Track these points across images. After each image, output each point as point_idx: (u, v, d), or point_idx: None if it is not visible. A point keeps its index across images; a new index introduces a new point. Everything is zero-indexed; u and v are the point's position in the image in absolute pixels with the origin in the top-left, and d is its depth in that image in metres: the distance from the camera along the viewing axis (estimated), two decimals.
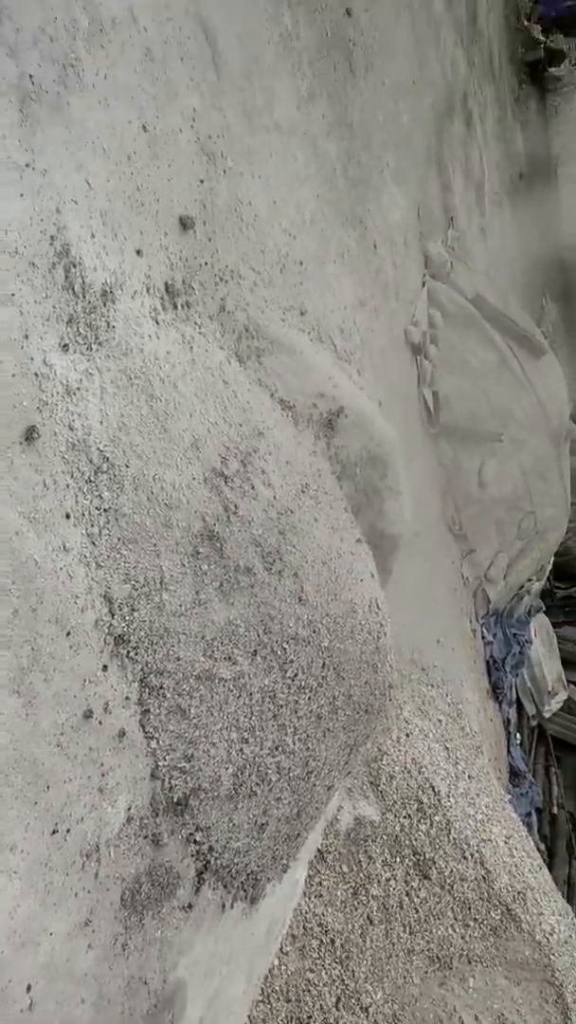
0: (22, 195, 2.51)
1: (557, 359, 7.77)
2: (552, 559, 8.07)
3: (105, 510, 2.64)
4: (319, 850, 4.44)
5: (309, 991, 4.02)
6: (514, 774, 7.43)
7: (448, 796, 4.82)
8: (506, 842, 4.77)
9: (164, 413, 2.83)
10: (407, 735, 4.78)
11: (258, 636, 3.00)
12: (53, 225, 2.62)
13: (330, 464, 3.64)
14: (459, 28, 7.46)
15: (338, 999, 4.05)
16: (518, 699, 7.73)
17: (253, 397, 3.25)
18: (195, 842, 2.98)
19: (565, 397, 7.43)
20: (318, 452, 3.58)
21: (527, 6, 9.78)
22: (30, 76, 2.57)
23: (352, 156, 4.90)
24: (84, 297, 2.71)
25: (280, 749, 3.12)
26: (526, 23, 9.55)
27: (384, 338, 4.97)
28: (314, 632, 3.17)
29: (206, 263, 3.40)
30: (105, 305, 2.78)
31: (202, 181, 3.45)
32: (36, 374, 2.49)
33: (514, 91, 9.63)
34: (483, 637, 6.69)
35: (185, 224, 3.28)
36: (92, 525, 2.60)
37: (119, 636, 2.67)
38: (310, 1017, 3.96)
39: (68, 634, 2.48)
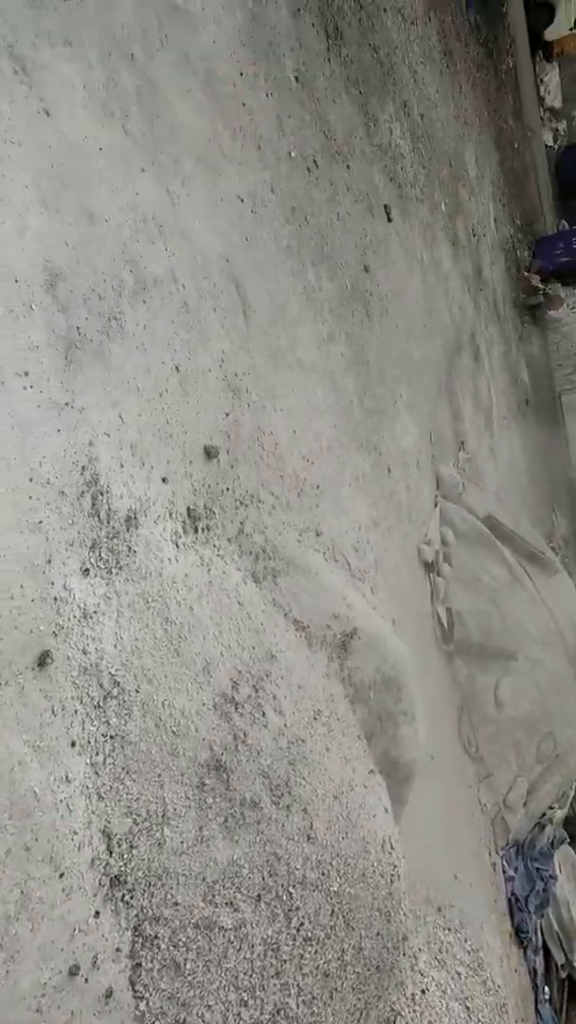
0: (59, 430, 2.69)
1: (570, 577, 7.87)
2: (575, 786, 7.68)
3: (111, 737, 2.59)
4: None
5: None
6: None
7: None
8: None
9: (178, 636, 2.84)
10: (423, 991, 4.32)
11: (263, 879, 2.81)
12: (85, 456, 2.79)
13: (343, 687, 3.59)
14: (466, 279, 8.27)
15: None
16: (545, 945, 7.04)
17: (267, 618, 3.27)
18: None
19: None
20: (331, 674, 3.55)
21: (526, 260, 10.90)
22: (77, 328, 2.85)
23: (368, 389, 5.26)
24: (108, 523, 2.82)
25: (282, 1014, 2.82)
26: (526, 274, 10.59)
27: (398, 557, 5.07)
28: (323, 875, 2.97)
29: (228, 488, 3.57)
30: (128, 530, 2.89)
31: (227, 414, 3.70)
32: (55, 599, 2.55)
33: (518, 330, 10.48)
34: (503, 871, 6.23)
35: (210, 453, 3.47)
36: (97, 753, 2.54)
37: (115, 876, 2.52)
38: None
39: (61, 875, 2.35)
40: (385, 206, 6.03)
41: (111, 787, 2.54)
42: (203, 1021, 2.59)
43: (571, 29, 12.89)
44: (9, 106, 2.70)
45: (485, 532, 6.10)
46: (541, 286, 10.53)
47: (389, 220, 6.05)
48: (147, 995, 2.47)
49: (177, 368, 3.39)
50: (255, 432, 3.90)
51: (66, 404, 2.72)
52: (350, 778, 3.22)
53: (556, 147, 14.04)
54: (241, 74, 4.33)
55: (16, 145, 2.68)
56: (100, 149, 3.10)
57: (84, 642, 2.60)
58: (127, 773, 2.56)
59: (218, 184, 3.92)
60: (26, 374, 2.56)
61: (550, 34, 12.92)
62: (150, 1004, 2.48)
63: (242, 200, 4.13)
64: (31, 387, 2.57)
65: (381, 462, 5.24)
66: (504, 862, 6.31)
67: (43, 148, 2.80)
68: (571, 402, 11.42)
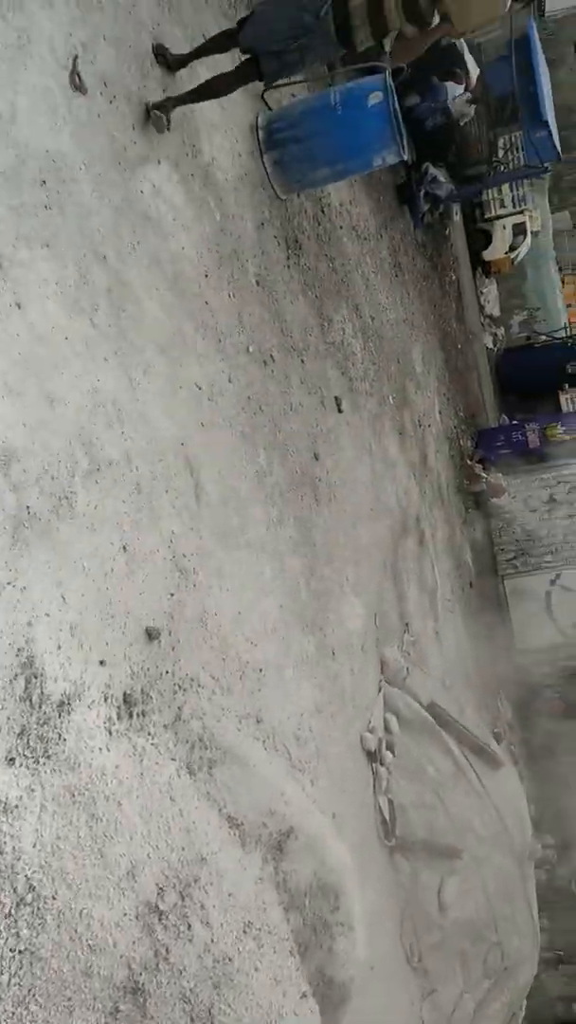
0: None
1: (515, 769, 7.71)
2: (524, 1003, 7.12)
3: (20, 952, 2.34)
4: None
5: None
6: None
7: None
8: None
9: (103, 835, 2.66)
10: None
11: None
12: (22, 637, 2.71)
13: (277, 893, 3.36)
14: (412, 466, 8.66)
15: None
16: None
17: (200, 815, 3.10)
18: None
19: (525, 813, 7.22)
20: (265, 878, 3.32)
21: (470, 450, 11.51)
22: (27, 507, 2.85)
23: (315, 571, 5.32)
24: (40, 708, 2.70)
25: None
26: (470, 462, 11.15)
27: (340, 744, 4.93)
28: None
29: (167, 671, 3.48)
30: (60, 716, 2.77)
31: (172, 594, 3.68)
32: None
33: (461, 515, 10.88)
34: None
35: (151, 635, 3.41)
36: (2, 972, 2.29)
37: None
38: None
39: None
40: (336, 398, 6.37)
41: (12, 1013, 2.27)
42: None
43: (505, 253, 14.39)
44: None
45: (429, 720, 6.01)
46: (483, 474, 11.04)
47: (340, 411, 6.38)
48: None
49: (124, 548, 3.39)
50: (200, 613, 3.86)
51: (8, 583, 2.68)
52: (280, 1004, 2.94)
53: (496, 349, 15.24)
54: (206, 276, 4.68)
55: None
56: (66, 339, 3.25)
57: (1, 840, 2.41)
58: (33, 997, 2.30)
59: (178, 373, 4.12)
60: None
61: (487, 255, 14.40)
62: None
63: (200, 388, 4.33)
64: None
65: (326, 644, 5.20)
66: None
67: (12, 337, 2.92)
68: (514, 587, 11.67)
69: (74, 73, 3.54)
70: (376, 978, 4.46)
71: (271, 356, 5.32)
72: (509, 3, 3.68)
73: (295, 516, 5.24)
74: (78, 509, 3.13)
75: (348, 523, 6.15)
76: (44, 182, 3.31)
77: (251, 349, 5.05)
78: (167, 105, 4.25)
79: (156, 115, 4.17)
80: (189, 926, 2.75)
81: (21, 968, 2.31)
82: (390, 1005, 5.03)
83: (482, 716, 8.98)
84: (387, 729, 5.58)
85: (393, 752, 5.55)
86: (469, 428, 12.03)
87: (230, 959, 2.82)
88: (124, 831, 2.75)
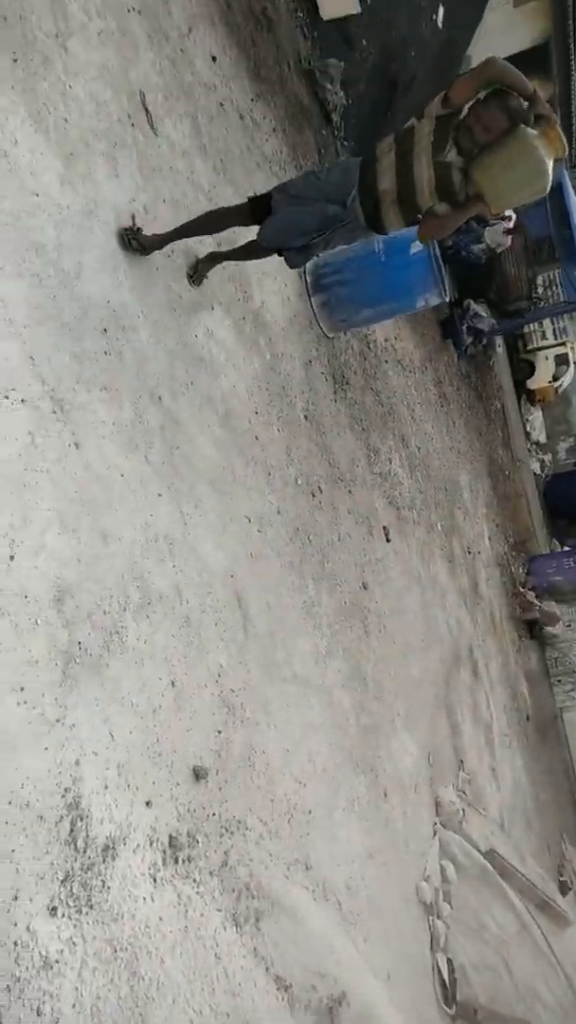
0: (46, 748, 2.60)
1: None
2: None
3: None
4: None
5: None
6: None
7: None
8: None
9: (145, 996, 2.51)
10: None
11: None
12: (70, 776, 2.67)
13: None
14: (462, 594, 8.55)
15: None
16: None
17: (246, 976, 2.90)
18: None
19: None
20: None
21: (521, 576, 11.36)
22: (79, 643, 2.87)
23: (364, 705, 5.19)
24: (85, 852, 2.62)
25: None
26: (522, 590, 10.98)
27: (393, 895, 4.64)
28: None
29: (214, 814, 3.36)
30: (104, 861, 2.67)
31: (219, 731, 3.60)
32: (15, 943, 2.28)
33: (515, 643, 10.61)
34: None
35: (198, 774, 3.32)
36: None
37: None
38: None
39: None
40: (384, 527, 6.41)
41: None
42: None
43: (549, 382, 14.70)
44: (43, 439, 2.97)
45: (488, 869, 5.64)
46: (536, 602, 10.84)
47: (388, 540, 6.40)
48: None
49: (173, 683, 3.36)
50: (246, 751, 3.77)
51: (57, 720, 2.66)
52: None
53: (543, 475, 15.32)
54: (256, 412, 4.85)
55: (44, 473, 2.91)
56: (122, 475, 3.37)
57: (40, 998, 2.29)
58: None
59: (228, 506, 4.21)
60: (21, 689, 2.53)
61: (532, 384, 14.73)
62: None
63: (250, 520, 4.40)
64: (24, 703, 2.53)
65: (377, 784, 5.00)
66: None
67: (69, 475, 3.04)
68: (573, 720, 11.21)
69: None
70: None
71: (319, 487, 5.42)
72: (549, 185, 3.55)
73: (344, 648, 5.17)
74: (128, 643, 3.14)
75: (398, 654, 6.04)
76: (105, 330, 3.53)
77: (299, 481, 5.15)
78: (199, 268, 4.40)
79: (189, 276, 4.37)
80: None
81: None
82: None
83: (544, 864, 8.41)
84: (444, 878, 5.24)
85: (451, 904, 5.19)
86: (519, 555, 11.93)
87: None
88: (167, 992, 2.58)
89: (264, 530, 4.55)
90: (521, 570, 11.55)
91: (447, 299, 6.43)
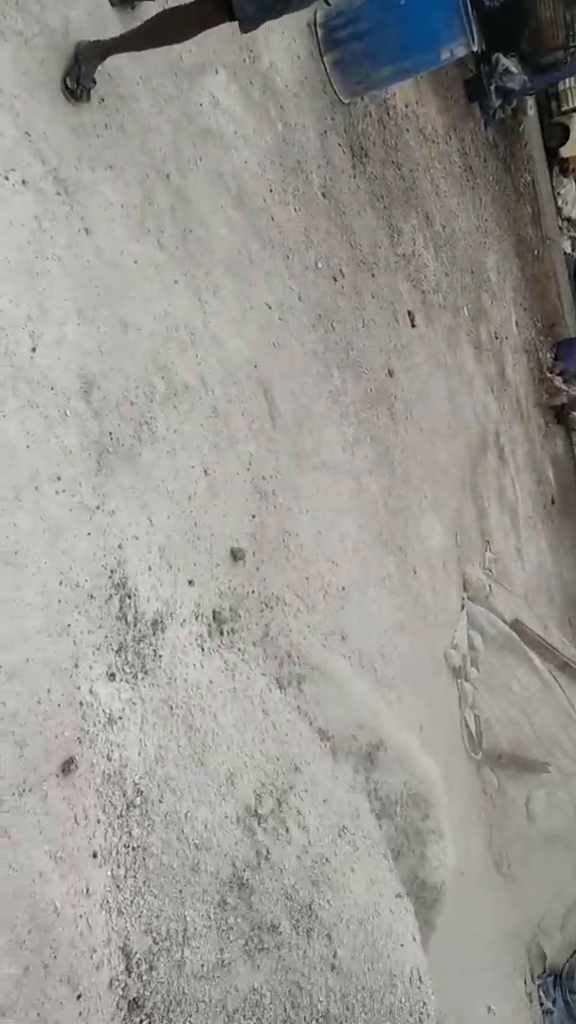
0: (89, 534, 2.70)
1: None
2: None
3: (133, 848, 2.49)
4: None
5: None
6: None
7: None
8: None
9: (202, 745, 2.76)
10: None
11: (285, 1011, 2.63)
12: (114, 559, 2.79)
13: (369, 801, 3.45)
14: (489, 380, 8.41)
15: None
16: None
17: (292, 728, 3.18)
18: None
19: None
20: (357, 788, 3.42)
21: (549, 362, 11.09)
22: (110, 433, 2.90)
23: (392, 490, 5.28)
24: (135, 626, 2.80)
25: None
26: (549, 375, 10.76)
27: (425, 661, 4.97)
28: (347, 1009, 2.78)
29: (253, 591, 3.54)
30: (155, 634, 2.86)
31: (254, 516, 3.71)
32: (81, 703, 2.50)
33: (541, 429, 10.57)
34: (541, 1003, 5.80)
35: (236, 555, 3.46)
36: (119, 865, 2.44)
37: (133, 1000, 2.38)
38: None
39: (79, 997, 2.22)
40: (409, 312, 6.19)
41: (132, 902, 2.43)
42: None
43: None
44: (51, 224, 2.83)
45: (513, 637, 5.98)
46: (564, 387, 10.66)
47: (413, 326, 6.21)
48: None
49: (206, 471, 3.42)
50: (281, 534, 3.89)
51: (97, 507, 2.74)
52: (376, 902, 3.05)
53: (575, 254, 14.49)
54: (270, 190, 4.55)
55: (56, 261, 2.80)
56: (136, 262, 3.23)
57: (109, 748, 2.54)
58: (148, 887, 2.44)
59: (247, 293, 4.06)
60: (59, 478, 2.59)
61: (566, 151, 13.54)
62: None
63: (270, 308, 4.27)
64: (63, 491, 2.59)
65: (407, 563, 5.19)
66: (541, 993, 5.89)
67: (82, 263, 2.92)
68: None
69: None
70: (467, 883, 4.59)
71: (340, 271, 5.19)
72: None
73: (371, 435, 5.18)
74: (158, 434, 3.16)
75: (425, 441, 6.05)
76: (103, 100, 3.24)
77: (320, 265, 4.93)
78: (83, 64, 2.98)
79: (67, 89, 2.97)
80: (287, 829, 2.86)
81: (135, 863, 2.46)
82: (481, 908, 5.18)
83: (567, 634, 8.89)
84: (471, 646, 5.59)
85: (478, 668, 5.57)
86: (548, 339, 11.58)
87: (327, 860, 2.93)
88: (221, 742, 2.85)
89: (285, 318, 4.42)
90: (549, 355, 11.25)
91: (475, 48, 5.74)
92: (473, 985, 4.77)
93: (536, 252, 11.54)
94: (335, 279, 5.10)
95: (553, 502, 10.19)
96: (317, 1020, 2.72)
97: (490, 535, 7.21)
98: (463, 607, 5.79)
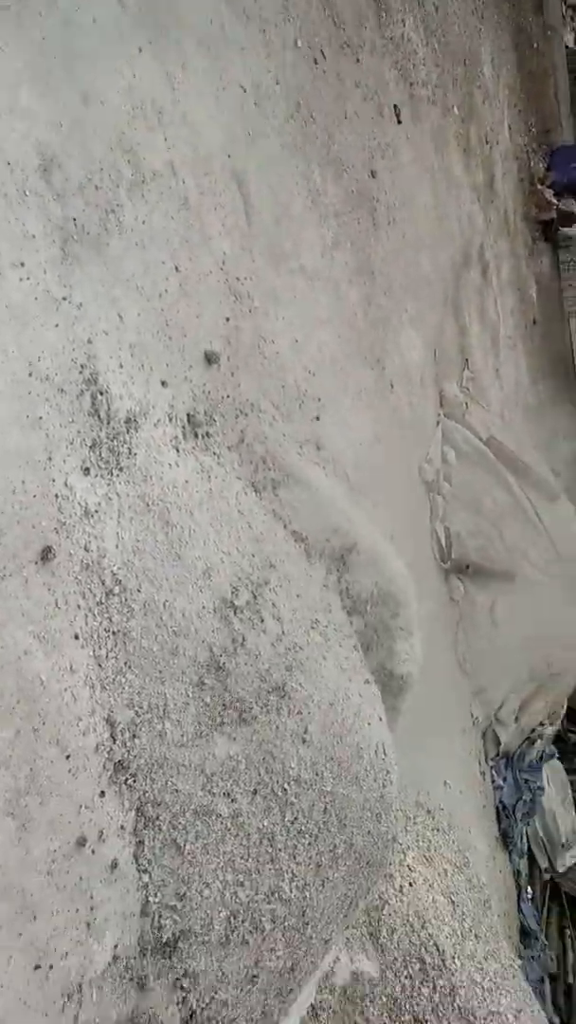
0: (57, 325, 2.61)
1: (571, 503, 7.83)
2: (566, 704, 7.84)
3: (114, 633, 2.60)
4: (312, 1006, 4.09)
5: None
6: (525, 934, 6.92)
7: (453, 957, 4.48)
8: (516, 1017, 4.39)
9: (179, 540, 2.83)
10: (410, 884, 4.49)
11: (259, 775, 2.87)
12: (84, 354, 2.72)
13: (341, 599, 3.60)
14: (476, 189, 7.97)
15: None
16: (530, 850, 7.32)
17: (267, 528, 3.25)
18: (182, 988, 2.76)
19: None
20: (329, 586, 3.55)
21: (540, 172, 10.48)
22: (74, 219, 2.73)
23: (372, 300, 5.12)
24: (108, 423, 2.77)
25: (276, 896, 2.92)
26: (539, 187, 10.20)
27: (398, 474, 5.03)
28: (317, 775, 3.03)
29: (228, 396, 3.50)
30: (128, 432, 2.84)
31: (228, 319, 3.60)
32: (56, 495, 2.52)
33: (528, 246, 10.16)
34: (492, 781, 6.41)
35: (210, 359, 3.39)
36: (100, 647, 2.56)
37: (119, 762, 2.58)
38: None
39: (68, 757, 2.40)
40: (395, 106, 5.74)
41: (114, 680, 2.57)
42: (201, 896, 2.70)
43: None
44: None
45: (487, 454, 6.04)
46: (554, 201, 10.14)
47: (399, 122, 5.78)
48: (150, 869, 2.59)
49: (177, 268, 3.27)
50: (256, 339, 3.80)
51: (63, 299, 2.63)
52: (346, 686, 3.26)
53: None
54: None
55: (4, 11, 2.51)
56: (94, 21, 2.91)
57: (86, 539, 2.59)
58: (129, 668, 2.58)
59: (220, 70, 3.72)
60: (22, 264, 2.46)
61: None
62: (152, 877, 2.60)
63: (245, 90, 3.93)
64: (27, 278, 2.48)
65: (384, 377, 5.14)
66: (494, 772, 6.49)
67: (34, 18, 2.62)
68: None
69: None
70: (431, 676, 4.90)
71: (322, 52, 4.74)
72: None
73: (351, 241, 4.94)
74: (126, 224, 2.99)
75: (408, 249, 5.80)
76: None
77: (299, 43, 4.49)
78: None
79: None
80: (262, 619, 3.00)
81: (116, 646, 2.58)
82: (444, 699, 5.58)
83: (539, 455, 9.01)
84: (445, 461, 5.65)
85: (450, 483, 5.67)
86: (541, 147, 10.88)
87: (300, 648, 3.10)
88: (198, 538, 2.91)
89: (261, 103, 4.08)
90: (541, 165, 10.61)
91: None
92: (432, 764, 5.22)
93: (536, 44, 10.60)
94: (316, 62, 4.67)
95: (535, 322, 9.99)
96: (289, 784, 2.98)
97: (469, 353, 7.11)
98: (439, 423, 5.81)
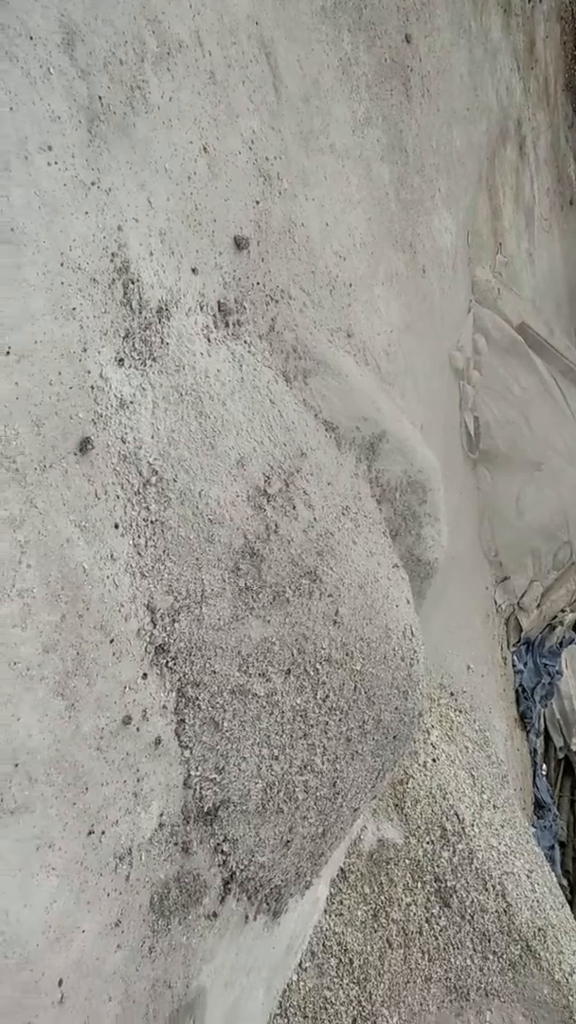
0: (87, 213, 2.57)
1: None
2: None
3: (152, 522, 2.69)
4: (342, 869, 4.43)
5: (326, 1009, 4.00)
6: (538, 805, 7.33)
7: (472, 825, 4.78)
8: (528, 876, 4.71)
9: (212, 430, 2.87)
10: (433, 760, 4.75)
11: (292, 655, 3.01)
12: (115, 242, 2.69)
13: (370, 487, 3.66)
14: (516, 55, 7.48)
15: (354, 1020, 4.02)
16: (546, 730, 7.65)
17: (298, 417, 3.28)
18: (222, 852, 3.00)
19: None
20: (359, 474, 3.60)
21: None
22: (99, 98, 2.64)
23: (405, 180, 4.93)
24: (141, 313, 2.77)
25: (309, 768, 3.12)
26: None
27: (428, 362, 4.98)
28: (347, 655, 3.18)
29: (258, 283, 3.45)
30: (160, 321, 2.84)
31: (258, 202, 3.51)
32: (92, 387, 2.55)
33: (568, 118, 9.60)
34: (513, 665, 6.64)
35: (240, 244, 3.33)
36: (139, 536, 2.65)
37: (159, 646, 2.71)
38: None
39: (111, 641, 2.53)
40: None
41: (153, 567, 2.67)
42: (239, 769, 2.90)
43: None
44: None
45: (518, 341, 5.93)
46: None
47: None
48: (191, 745, 2.76)
49: (205, 148, 3.17)
50: (286, 223, 3.71)
51: (93, 184, 2.58)
52: (375, 570, 3.36)
53: None
54: None
55: None
56: None
57: (122, 431, 2.64)
58: (167, 555, 2.68)
59: None
60: (49, 148, 2.41)
61: None
62: (193, 753, 2.77)
63: None
64: (55, 163, 2.43)
65: (416, 261, 5.01)
66: (515, 657, 6.70)
67: None
68: None
69: None
70: (457, 563, 5.02)
71: None
72: None
73: (383, 116, 4.72)
74: (152, 101, 2.89)
75: (442, 124, 5.53)
76: None
77: None
78: None
79: None
80: (294, 507, 3.07)
81: (155, 534, 2.67)
82: (468, 587, 5.71)
83: (572, 339, 8.81)
84: (475, 349, 5.57)
85: (480, 371, 5.60)
86: None
87: (331, 534, 3.18)
88: (231, 427, 2.95)
89: None
90: None
91: None
92: (456, 649, 5.41)
93: None
94: None
95: (572, 203, 9.56)
96: (320, 663, 3.13)
97: (503, 236, 6.87)
98: (470, 310, 5.69)
